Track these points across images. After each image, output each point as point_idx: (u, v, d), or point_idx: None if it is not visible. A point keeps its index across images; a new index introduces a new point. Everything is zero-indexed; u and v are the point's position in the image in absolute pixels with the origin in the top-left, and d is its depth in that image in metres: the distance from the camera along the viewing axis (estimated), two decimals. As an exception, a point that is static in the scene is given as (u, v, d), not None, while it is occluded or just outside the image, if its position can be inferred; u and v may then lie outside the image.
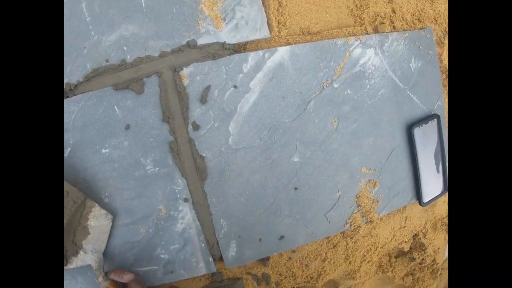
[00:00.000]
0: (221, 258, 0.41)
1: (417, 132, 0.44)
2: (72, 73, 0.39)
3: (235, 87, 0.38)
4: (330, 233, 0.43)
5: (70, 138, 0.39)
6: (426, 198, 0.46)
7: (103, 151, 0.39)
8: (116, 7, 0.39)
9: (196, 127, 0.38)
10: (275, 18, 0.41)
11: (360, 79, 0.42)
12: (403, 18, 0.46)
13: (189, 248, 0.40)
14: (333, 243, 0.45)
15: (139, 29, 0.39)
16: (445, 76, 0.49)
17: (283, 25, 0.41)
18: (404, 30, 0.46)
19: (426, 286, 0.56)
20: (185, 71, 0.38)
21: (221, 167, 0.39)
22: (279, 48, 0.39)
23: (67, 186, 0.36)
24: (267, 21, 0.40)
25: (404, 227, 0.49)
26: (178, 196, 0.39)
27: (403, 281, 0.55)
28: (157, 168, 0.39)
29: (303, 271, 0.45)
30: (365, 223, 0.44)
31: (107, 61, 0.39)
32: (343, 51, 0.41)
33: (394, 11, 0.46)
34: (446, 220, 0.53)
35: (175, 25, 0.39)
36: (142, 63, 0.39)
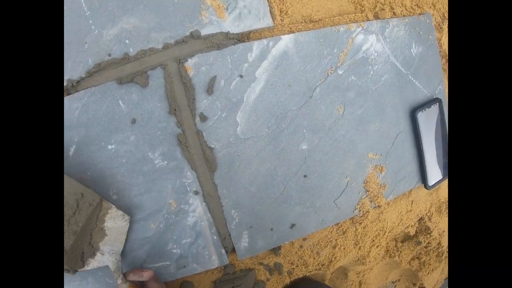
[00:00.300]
0: (233, 250, 0.42)
1: (421, 116, 0.45)
2: (73, 69, 0.39)
3: (241, 76, 0.39)
4: (340, 219, 0.44)
5: (74, 135, 0.39)
6: (431, 181, 0.48)
7: (110, 147, 0.39)
8: (116, -1, 0.38)
9: (204, 118, 0.38)
10: (277, 7, 0.41)
11: (363, 65, 0.43)
12: (402, 4, 0.47)
13: (201, 241, 0.40)
14: (342, 229, 0.46)
15: (141, 22, 0.39)
16: (445, 61, 0.50)
17: (285, 14, 0.42)
18: (404, 16, 0.47)
19: (432, 269, 0.58)
20: (190, 62, 0.38)
21: (230, 158, 0.39)
22: (283, 37, 0.40)
23: (82, 188, 0.35)
24: (270, 9, 0.41)
25: (410, 211, 0.50)
26: (188, 189, 0.39)
27: (409, 265, 0.57)
28: (165, 162, 0.39)
29: (314, 258, 0.46)
30: (373, 208, 0.46)
31: (109, 55, 0.39)
32: (345, 38, 0.42)
33: (393, -3, 0.47)
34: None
35: (178, 16, 0.39)
36: (145, 56, 0.38)
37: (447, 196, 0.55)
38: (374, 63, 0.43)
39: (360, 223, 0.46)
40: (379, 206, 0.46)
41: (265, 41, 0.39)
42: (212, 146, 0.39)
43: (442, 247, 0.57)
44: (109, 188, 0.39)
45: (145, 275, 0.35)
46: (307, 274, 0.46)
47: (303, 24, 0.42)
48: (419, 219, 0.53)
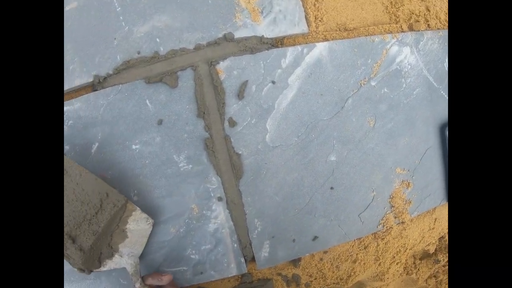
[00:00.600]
0: (252, 259, 0.42)
1: (451, 132, 0.45)
2: (101, 65, 0.39)
3: (273, 82, 0.38)
4: (363, 234, 0.43)
5: (98, 132, 0.39)
6: (456, 199, 0.47)
7: (134, 147, 0.39)
8: (148, -4, 0.38)
9: (233, 124, 0.38)
10: (313, 13, 0.41)
11: (396, 77, 0.42)
12: (436, 16, 0.47)
13: (221, 249, 0.40)
14: (364, 244, 0.45)
15: (173, 21, 0.39)
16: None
17: (320, 20, 0.41)
18: (438, 29, 0.47)
19: (447, 289, 0.57)
20: (222, 65, 0.38)
21: (257, 165, 0.39)
22: (318, 44, 0.39)
23: (107, 188, 0.35)
24: (305, 15, 0.40)
25: (433, 228, 0.50)
26: (212, 194, 0.39)
27: (426, 283, 0.57)
28: (190, 166, 0.38)
29: (334, 272, 0.45)
30: (397, 224, 0.45)
31: (138, 53, 0.39)
32: (380, 49, 0.42)
33: (428, 9, 0.47)
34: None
35: (211, 17, 0.38)
36: (176, 56, 0.38)
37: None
38: (407, 75, 0.43)
39: (383, 239, 0.46)
40: (403, 222, 0.45)
41: (299, 48, 0.39)
42: (240, 152, 0.39)
43: (459, 266, 0.56)
44: (130, 189, 0.39)
45: (165, 279, 0.35)
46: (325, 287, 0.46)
47: (337, 32, 0.42)
48: (440, 238, 0.53)
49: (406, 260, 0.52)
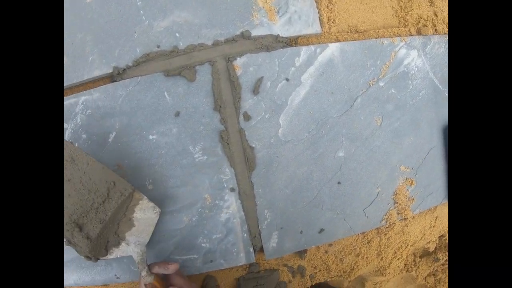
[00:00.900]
0: (260, 249, 0.45)
1: (454, 133, 0.48)
2: (120, 57, 0.42)
3: (287, 80, 0.42)
4: (367, 228, 0.47)
5: (116, 122, 0.42)
6: (457, 198, 0.51)
7: (151, 137, 0.42)
8: (169, -8, 0.41)
9: (248, 118, 0.41)
10: (326, 15, 0.44)
11: (403, 79, 0.46)
12: (444, 21, 0.51)
13: (231, 238, 0.43)
14: (367, 238, 0.49)
15: (193, 17, 0.42)
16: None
17: (333, 22, 0.45)
18: (445, 33, 0.50)
19: None
20: (239, 61, 0.41)
21: (270, 159, 0.42)
22: (330, 45, 0.43)
23: (115, 177, 0.36)
24: (319, 16, 0.44)
25: (433, 226, 0.53)
26: (225, 185, 0.42)
27: (425, 281, 0.60)
28: (205, 157, 0.42)
29: (337, 265, 0.49)
30: (400, 220, 0.49)
31: (158, 46, 0.42)
32: (389, 51, 0.45)
33: (436, 15, 0.51)
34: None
35: (230, 15, 0.42)
36: (194, 51, 0.41)
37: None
38: (414, 78, 0.47)
39: (385, 234, 0.49)
40: (405, 219, 0.49)
41: (312, 47, 0.42)
42: (253, 145, 0.42)
43: (458, 265, 0.60)
44: (146, 178, 0.42)
45: (171, 268, 0.36)
46: (328, 280, 0.49)
47: (349, 34, 0.45)
48: (440, 236, 0.57)
49: (406, 257, 0.56)
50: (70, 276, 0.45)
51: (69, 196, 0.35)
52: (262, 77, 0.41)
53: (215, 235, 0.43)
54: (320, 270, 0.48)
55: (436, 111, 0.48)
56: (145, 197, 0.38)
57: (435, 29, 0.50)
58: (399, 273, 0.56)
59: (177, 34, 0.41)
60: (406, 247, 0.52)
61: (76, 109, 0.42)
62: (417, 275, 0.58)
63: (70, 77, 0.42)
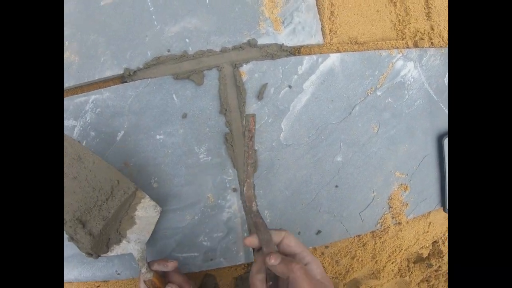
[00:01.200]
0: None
1: (447, 142, 0.53)
2: (132, 59, 0.45)
3: (290, 87, 0.46)
4: (362, 231, 0.51)
5: (124, 121, 0.45)
6: (449, 205, 0.55)
7: (158, 137, 0.45)
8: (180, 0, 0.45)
9: (251, 121, 0.45)
10: (328, 26, 0.49)
11: (400, 89, 0.51)
12: (440, 35, 0.56)
13: (231, 237, 0.47)
14: (363, 241, 0.53)
15: (202, 24, 0.46)
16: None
17: (334, 33, 0.49)
18: (441, 46, 0.55)
19: (439, 294, 0.65)
20: (245, 68, 0.45)
21: (271, 161, 0.46)
22: (331, 55, 0.47)
23: (119, 175, 0.38)
24: (321, 28, 0.48)
25: (427, 232, 0.57)
26: (228, 185, 0.46)
27: (418, 286, 0.64)
28: (210, 158, 0.45)
29: (333, 267, 0.52)
30: (394, 224, 0.53)
31: (168, 51, 0.45)
32: (387, 62, 0.50)
33: (432, 28, 0.55)
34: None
35: (238, 24, 0.46)
36: (203, 56, 0.45)
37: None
38: (410, 88, 0.51)
39: (380, 238, 0.53)
40: (399, 223, 0.53)
41: (314, 57, 0.46)
42: (256, 148, 0.46)
43: (451, 272, 0.64)
44: (151, 176, 0.45)
45: (170, 266, 0.39)
46: (324, 282, 0.53)
47: (349, 45, 0.50)
48: (434, 242, 0.61)
49: (400, 262, 0.60)
50: (71, 272, 0.47)
51: (74, 193, 0.37)
52: (266, 83, 0.45)
53: (216, 233, 0.46)
54: (316, 271, 0.52)
55: (430, 120, 0.52)
56: (147, 196, 0.41)
57: (431, 42, 0.55)
58: (393, 278, 0.60)
59: (187, 40, 0.45)
60: (400, 251, 0.56)
61: (86, 107, 0.45)
62: (411, 281, 0.62)
63: (81, 76, 0.45)
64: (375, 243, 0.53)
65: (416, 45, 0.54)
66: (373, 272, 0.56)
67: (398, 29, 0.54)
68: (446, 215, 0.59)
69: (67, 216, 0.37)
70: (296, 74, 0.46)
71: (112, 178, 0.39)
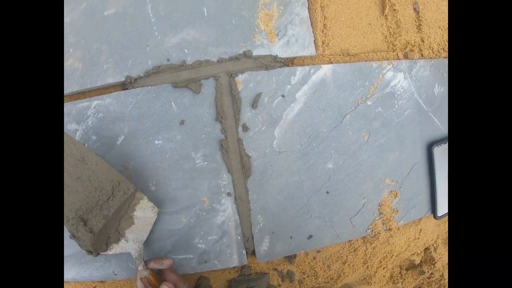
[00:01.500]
0: (252, 253, 0.52)
1: (436, 151, 0.57)
2: (133, 67, 0.50)
3: (283, 96, 0.50)
4: (353, 236, 0.54)
5: (125, 126, 0.49)
6: (440, 212, 0.59)
7: (156, 142, 0.49)
8: (180, 12, 0.50)
9: (246, 129, 0.49)
10: (320, 39, 0.53)
11: (390, 99, 0.55)
12: (430, 47, 0.60)
13: (225, 240, 0.50)
14: (354, 247, 0.56)
15: (201, 35, 0.50)
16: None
17: (326, 45, 0.54)
18: (431, 58, 0.59)
19: (432, 302, 0.68)
20: (240, 78, 0.49)
21: (264, 167, 0.50)
22: (323, 66, 0.51)
23: (119, 177, 0.42)
24: (314, 40, 0.53)
25: (418, 238, 0.61)
26: (222, 190, 0.49)
27: (411, 293, 0.67)
28: (205, 163, 0.49)
29: (325, 271, 0.56)
30: (385, 230, 0.56)
31: (168, 60, 0.50)
32: (377, 73, 0.54)
33: (422, 40, 0.60)
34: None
35: (234, 36, 0.50)
36: (201, 66, 0.50)
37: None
38: (400, 98, 0.55)
39: (371, 243, 0.56)
40: (390, 229, 0.57)
41: (307, 68, 0.51)
42: (250, 154, 0.49)
43: (444, 279, 0.67)
44: (149, 180, 0.49)
45: (165, 263, 0.43)
46: (315, 286, 0.56)
47: (341, 56, 0.54)
48: (425, 249, 0.64)
49: (392, 268, 0.63)
50: (68, 271, 0.51)
51: (77, 193, 0.41)
52: (261, 93, 0.49)
53: (210, 236, 0.50)
54: (308, 276, 0.55)
55: (420, 129, 0.56)
56: (145, 197, 0.44)
57: (421, 54, 0.59)
58: (385, 284, 0.63)
59: (186, 50, 0.50)
60: (391, 257, 0.59)
61: (88, 112, 0.49)
62: (403, 287, 0.65)
63: (84, 82, 0.49)
64: (366, 249, 0.57)
65: (406, 57, 0.58)
66: (365, 278, 0.59)
67: (389, 41, 0.58)
68: (437, 222, 0.62)
69: (69, 214, 0.40)
70: (289, 84, 0.50)
71: (113, 179, 0.42)
